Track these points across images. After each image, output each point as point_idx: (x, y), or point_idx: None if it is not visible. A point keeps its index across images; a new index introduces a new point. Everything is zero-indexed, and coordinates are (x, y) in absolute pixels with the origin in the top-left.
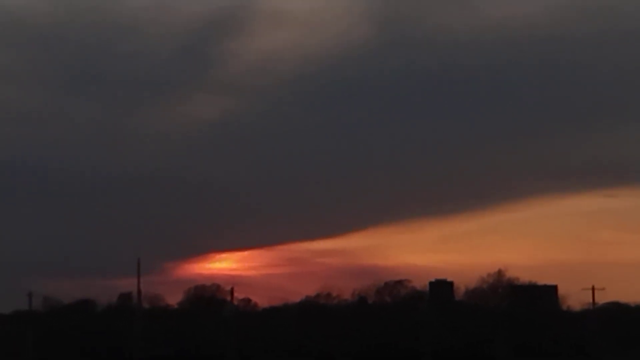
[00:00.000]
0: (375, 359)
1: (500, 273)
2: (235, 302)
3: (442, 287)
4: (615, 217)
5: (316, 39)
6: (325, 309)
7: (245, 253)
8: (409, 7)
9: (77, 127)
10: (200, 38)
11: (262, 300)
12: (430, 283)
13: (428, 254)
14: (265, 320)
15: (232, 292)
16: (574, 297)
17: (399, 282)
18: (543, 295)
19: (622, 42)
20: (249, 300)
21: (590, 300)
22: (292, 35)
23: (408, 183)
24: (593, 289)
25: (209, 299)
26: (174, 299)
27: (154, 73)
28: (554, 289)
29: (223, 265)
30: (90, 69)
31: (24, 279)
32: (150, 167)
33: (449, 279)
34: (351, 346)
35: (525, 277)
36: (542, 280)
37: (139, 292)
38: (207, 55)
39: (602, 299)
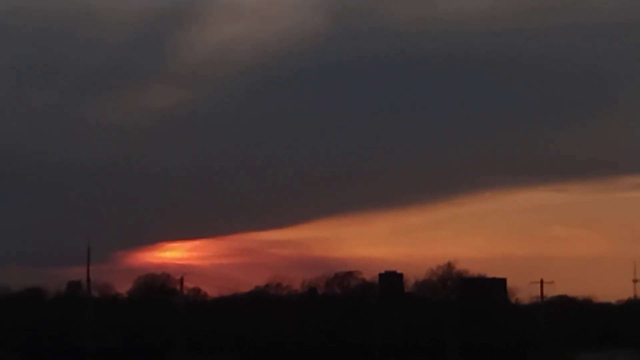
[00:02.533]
0: (324, 349)
1: (449, 265)
2: (185, 292)
3: (391, 279)
4: (565, 211)
5: (270, 30)
6: (275, 299)
7: (196, 242)
8: None
9: (30, 115)
10: (155, 28)
11: (212, 290)
12: (380, 275)
13: (378, 246)
14: (215, 310)
15: (182, 281)
16: (523, 290)
17: (349, 274)
18: (492, 288)
19: (579, 37)
20: (198, 290)
21: (539, 293)
22: (246, 26)
23: (359, 175)
24: (542, 282)
25: (159, 288)
26: (123, 288)
27: (108, 62)
28: (503, 282)
29: (173, 254)
30: (44, 58)
31: None
32: (102, 157)
33: (398, 271)
34: (301, 337)
35: (474, 270)
36: (491, 274)
37: (89, 280)
38: (162, 46)
39: (550, 292)
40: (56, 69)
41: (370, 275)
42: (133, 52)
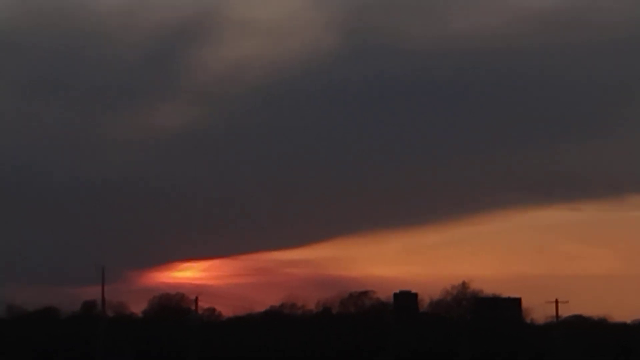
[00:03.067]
0: None
1: (464, 285)
2: (200, 311)
3: (406, 299)
4: (580, 230)
5: (283, 48)
6: (289, 319)
7: (211, 262)
8: (374, 17)
9: (43, 133)
10: (168, 46)
11: (226, 310)
12: (395, 294)
13: (393, 265)
14: (230, 330)
15: (196, 301)
16: (538, 309)
17: (364, 293)
18: (507, 308)
19: (588, 54)
20: (213, 310)
21: (554, 313)
22: (260, 44)
23: (374, 194)
24: (557, 301)
25: (174, 307)
26: (138, 308)
27: (121, 80)
28: (517, 301)
29: (188, 274)
30: (57, 75)
31: None
32: (116, 175)
33: (413, 291)
34: (315, 356)
35: (489, 289)
36: (506, 293)
37: (103, 300)
38: (175, 63)
39: (565, 312)
40: (70, 85)
41: (385, 294)
42: (146, 70)
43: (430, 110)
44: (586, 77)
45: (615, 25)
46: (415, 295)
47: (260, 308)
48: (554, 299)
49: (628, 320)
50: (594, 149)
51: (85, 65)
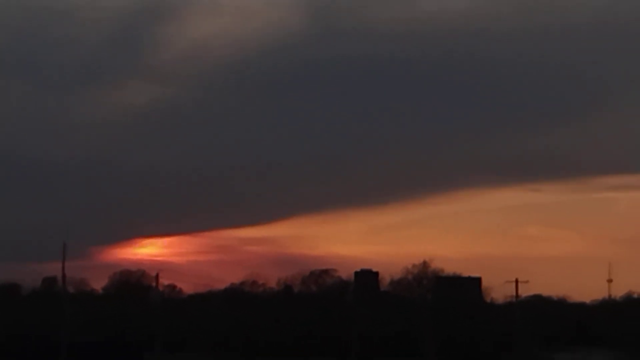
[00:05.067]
0: (300, 347)
1: (425, 264)
2: (161, 288)
3: (367, 277)
4: (540, 211)
5: (249, 27)
6: (250, 296)
7: (172, 239)
8: None
9: (7, 111)
10: (133, 24)
11: (187, 287)
12: (356, 273)
13: (354, 244)
14: (191, 307)
15: (157, 278)
16: (498, 289)
17: (325, 272)
18: (467, 287)
19: (556, 37)
20: (174, 287)
21: (514, 292)
22: (225, 23)
23: (335, 173)
24: (517, 281)
25: (135, 284)
26: (99, 284)
27: (87, 59)
28: (478, 281)
29: (149, 250)
30: (22, 54)
31: None
32: (79, 152)
33: (374, 269)
34: (276, 334)
35: (450, 268)
36: (466, 273)
37: (64, 276)
38: (140, 42)
39: (525, 292)
40: (35, 64)
41: (346, 273)
42: (112, 48)
43: (395, 92)
44: (553, 60)
45: (583, 8)
46: (376, 274)
47: (221, 285)
48: (514, 279)
49: (587, 300)
50: (556, 131)
51: (50, 44)
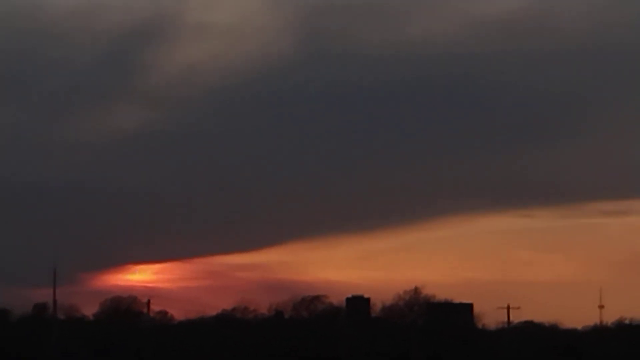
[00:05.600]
0: None
1: (416, 290)
2: (152, 314)
3: (358, 303)
4: (531, 237)
5: (238, 52)
6: (241, 322)
7: (163, 265)
8: (331, 22)
9: None
10: (123, 48)
11: (178, 313)
12: (347, 299)
13: (345, 270)
14: (181, 333)
15: (148, 304)
16: (490, 315)
17: (316, 298)
18: (459, 313)
19: (545, 61)
20: (165, 313)
21: (506, 318)
22: (214, 47)
23: (326, 199)
24: (508, 307)
25: (126, 310)
26: (90, 310)
27: (75, 81)
28: (469, 307)
29: (140, 277)
30: (11, 76)
31: None
32: (69, 176)
33: (365, 295)
34: None
35: (441, 294)
36: (458, 299)
37: (55, 302)
38: (130, 65)
39: (517, 317)
40: (23, 86)
41: (337, 299)
42: (100, 71)
43: (385, 116)
44: (542, 85)
45: (572, 33)
46: (368, 300)
47: (213, 312)
48: (505, 305)
49: (579, 326)
50: (547, 156)
51: (39, 66)
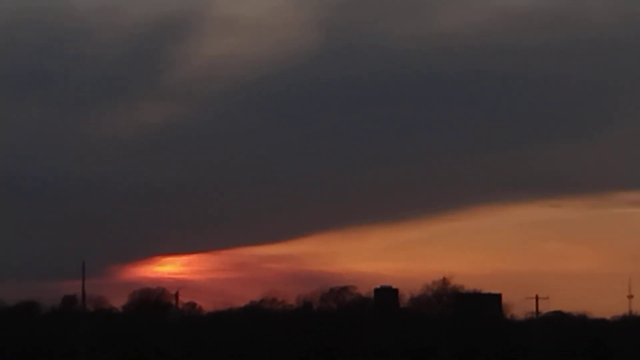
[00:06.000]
0: None
1: (444, 281)
2: (180, 306)
3: (387, 294)
4: (560, 227)
5: (264, 46)
6: (270, 314)
7: (191, 257)
8: (357, 15)
9: (23, 129)
10: (149, 42)
11: (206, 305)
12: (375, 290)
13: (374, 261)
14: (210, 325)
15: (177, 296)
16: (518, 306)
17: (344, 289)
18: (487, 304)
19: (575, 53)
20: (193, 305)
21: (534, 309)
22: (241, 41)
23: (355, 190)
24: (537, 298)
25: (154, 302)
26: (118, 302)
27: (102, 76)
28: (498, 297)
29: (169, 268)
30: (37, 72)
31: None
32: (97, 170)
33: (394, 286)
34: (296, 352)
35: (469, 285)
36: (486, 289)
37: (84, 294)
38: (156, 60)
39: (545, 308)
40: (51, 82)
41: (366, 290)
42: (128, 66)
43: (413, 109)
44: (570, 76)
45: (601, 24)
46: (396, 290)
47: (241, 303)
48: (534, 295)
49: (608, 317)
50: (576, 146)
51: (66, 61)
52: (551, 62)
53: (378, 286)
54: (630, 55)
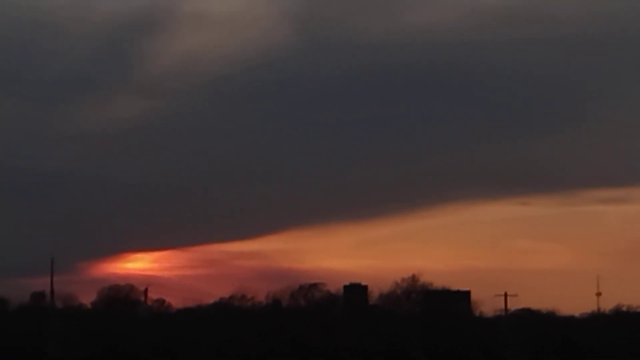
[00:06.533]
0: None
1: (414, 278)
2: (149, 303)
3: (356, 291)
4: (529, 225)
5: (236, 41)
6: (239, 311)
7: (161, 254)
8: (329, 10)
9: None
10: (121, 38)
11: (176, 301)
12: (345, 287)
13: (343, 258)
14: (179, 321)
15: (146, 292)
16: (487, 303)
17: (314, 286)
18: (456, 301)
19: (545, 49)
20: (163, 301)
21: (503, 306)
22: (213, 37)
23: (325, 187)
24: (505, 295)
25: (123, 299)
26: (87, 299)
27: (74, 72)
28: (467, 294)
29: (137, 265)
30: (10, 67)
31: None
32: (66, 166)
33: (363, 283)
34: (265, 348)
35: (439, 282)
36: (455, 286)
37: (52, 291)
38: (128, 55)
39: (514, 305)
40: (22, 77)
41: (335, 287)
42: (99, 62)
43: (383, 105)
44: (540, 73)
45: (570, 21)
46: (365, 287)
47: (210, 300)
48: (503, 293)
49: (576, 314)
50: (545, 144)
51: (37, 57)
52: (521, 58)
53: (347, 283)
54: (599, 52)
